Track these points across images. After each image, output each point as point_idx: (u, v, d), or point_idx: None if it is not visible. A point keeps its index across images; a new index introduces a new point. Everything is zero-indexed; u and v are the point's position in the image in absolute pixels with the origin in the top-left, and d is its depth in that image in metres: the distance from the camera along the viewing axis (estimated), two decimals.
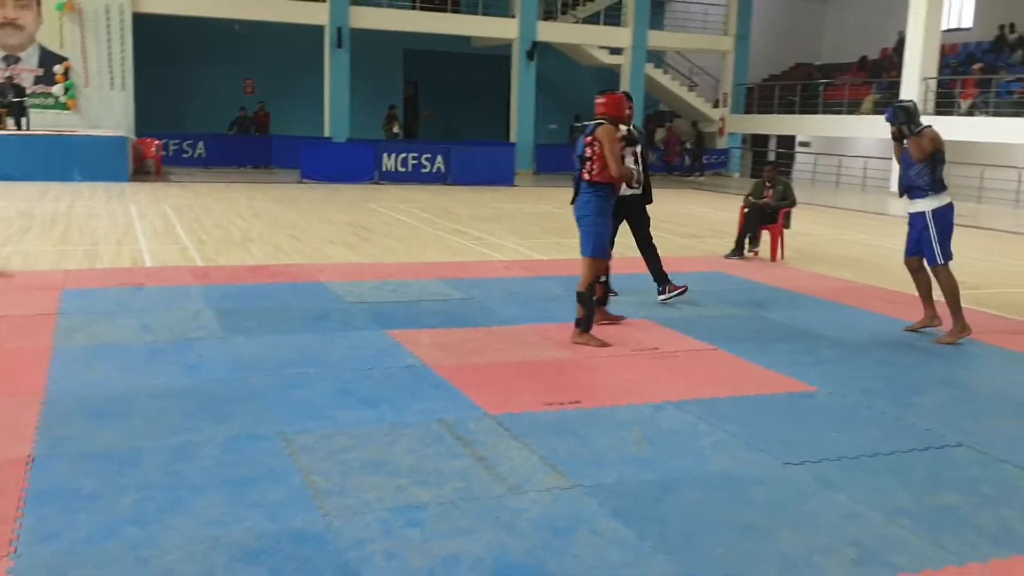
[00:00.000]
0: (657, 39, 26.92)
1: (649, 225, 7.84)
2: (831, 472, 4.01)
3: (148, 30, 22.45)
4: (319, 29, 23.15)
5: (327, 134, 23.23)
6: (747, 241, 10.73)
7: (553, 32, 25.82)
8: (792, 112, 26.25)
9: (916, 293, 7.09)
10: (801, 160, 27.97)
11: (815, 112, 25.38)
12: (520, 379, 5.32)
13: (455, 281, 8.39)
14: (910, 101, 6.87)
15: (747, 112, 27.78)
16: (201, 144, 22.57)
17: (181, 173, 20.20)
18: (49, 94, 21.23)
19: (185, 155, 22.36)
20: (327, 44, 23.11)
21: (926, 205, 6.68)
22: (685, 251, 11.22)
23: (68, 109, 21.37)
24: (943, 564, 3.18)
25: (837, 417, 4.83)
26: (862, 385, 5.43)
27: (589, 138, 6.13)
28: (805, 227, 13.68)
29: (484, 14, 25.28)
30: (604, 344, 6.15)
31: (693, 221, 14.95)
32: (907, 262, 6.97)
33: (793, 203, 10.85)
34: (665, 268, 7.89)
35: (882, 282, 9.22)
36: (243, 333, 6.02)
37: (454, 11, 25.57)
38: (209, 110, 24.93)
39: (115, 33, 21.53)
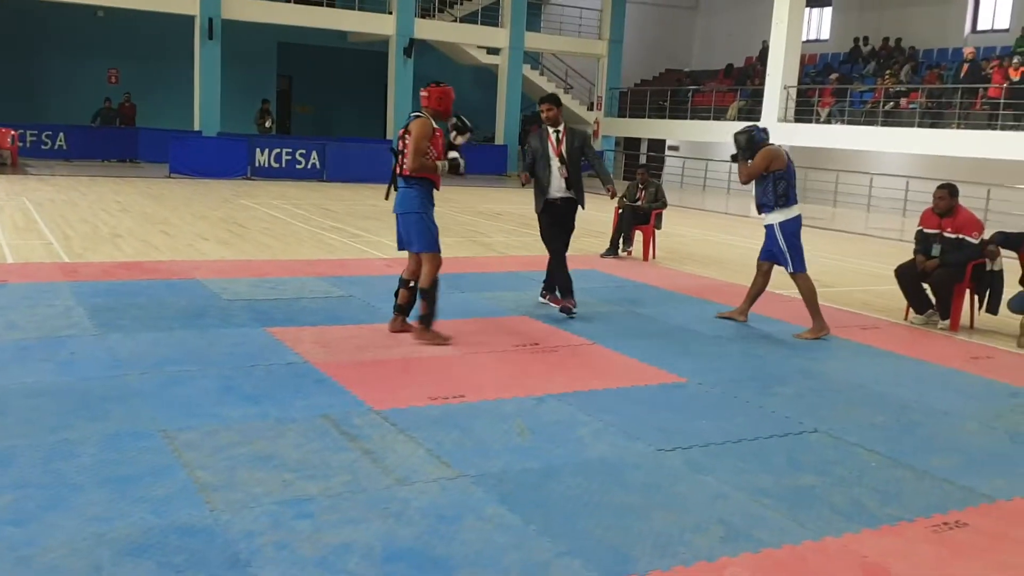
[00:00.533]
0: (534, 41, 27.35)
1: (571, 234, 7.68)
2: (700, 457, 4.27)
3: (6, 15, 21.25)
4: (189, 19, 22.44)
5: (197, 128, 22.54)
6: (621, 241, 11.11)
7: (430, 30, 25.86)
8: (663, 117, 27.15)
9: (775, 292, 7.56)
10: (671, 163, 28.94)
11: (684, 117, 26.33)
12: (403, 375, 5.40)
13: (335, 279, 8.37)
14: (748, 129, 7.33)
15: (620, 115, 28.54)
16: (62, 135, 21.52)
17: (40, 166, 19.23)
18: None
19: (44, 147, 21.26)
20: (197, 35, 22.40)
21: (773, 219, 7.17)
22: None
23: None
24: (802, 539, 3.46)
25: (706, 406, 5.12)
26: (728, 376, 5.77)
27: (402, 131, 6.09)
28: (675, 228, 14.23)
29: (361, 9, 25.08)
30: (446, 341, 6.11)
31: None
32: (758, 263, 7.49)
33: (664, 205, 11.30)
34: (542, 267, 8.08)
35: (746, 280, 9.64)
36: (118, 330, 5.86)
37: (330, 5, 25.26)
38: (71, 101, 23.81)
39: None
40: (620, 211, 11.17)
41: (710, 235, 14.41)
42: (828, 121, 21.93)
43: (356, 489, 3.65)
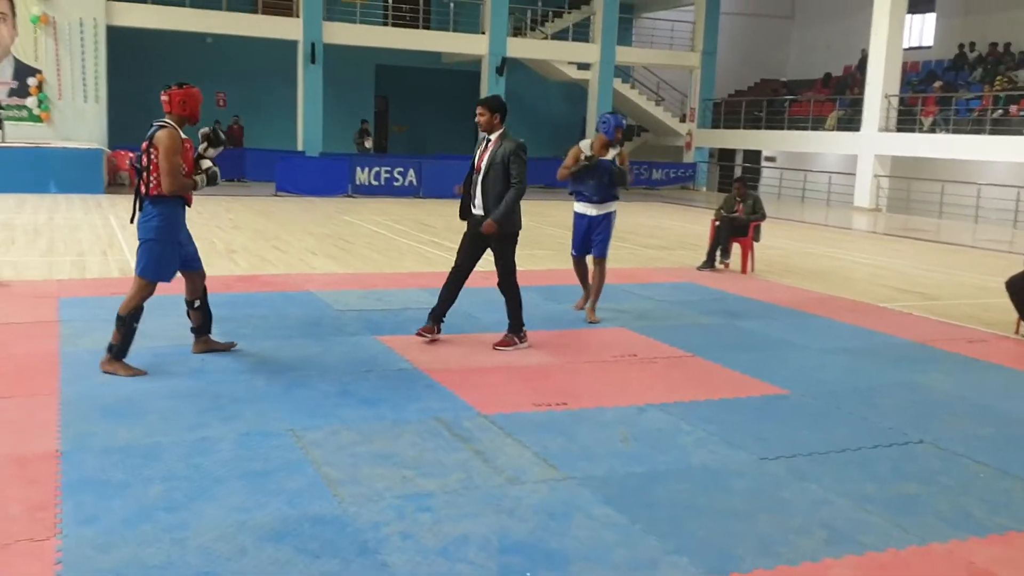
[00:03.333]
0: (625, 55, 27.45)
1: (497, 261, 6.60)
2: (804, 465, 4.34)
3: (122, 43, 22.51)
4: (292, 44, 23.36)
5: (300, 148, 23.40)
6: (718, 253, 11.12)
7: (522, 48, 26.24)
8: (758, 127, 26.88)
9: (879, 304, 7.49)
10: (767, 175, 28.60)
11: (780, 127, 26.01)
12: (507, 382, 5.61)
13: (436, 291, 8.62)
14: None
15: (714, 127, 28.37)
16: None
17: None
18: (23, 106, 21.22)
19: None
20: (301, 59, 23.31)
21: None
22: (656, 262, 11.60)
23: (42, 121, 21.36)
24: (906, 544, 3.52)
25: (808, 417, 5.17)
26: (830, 388, 5.79)
27: (146, 144, 5.37)
28: (774, 240, 14.13)
29: (455, 31, 25.64)
30: (138, 372, 5.35)
31: (662, 233, 15.35)
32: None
33: (763, 217, 11.25)
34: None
35: (848, 293, 9.63)
36: (242, 339, 6.25)
37: (425, 27, 25.91)
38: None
39: (89, 46, 21.58)
40: (717, 223, 11.18)
41: (810, 247, 14.25)
42: (932, 130, 21.38)
43: (470, 486, 3.87)
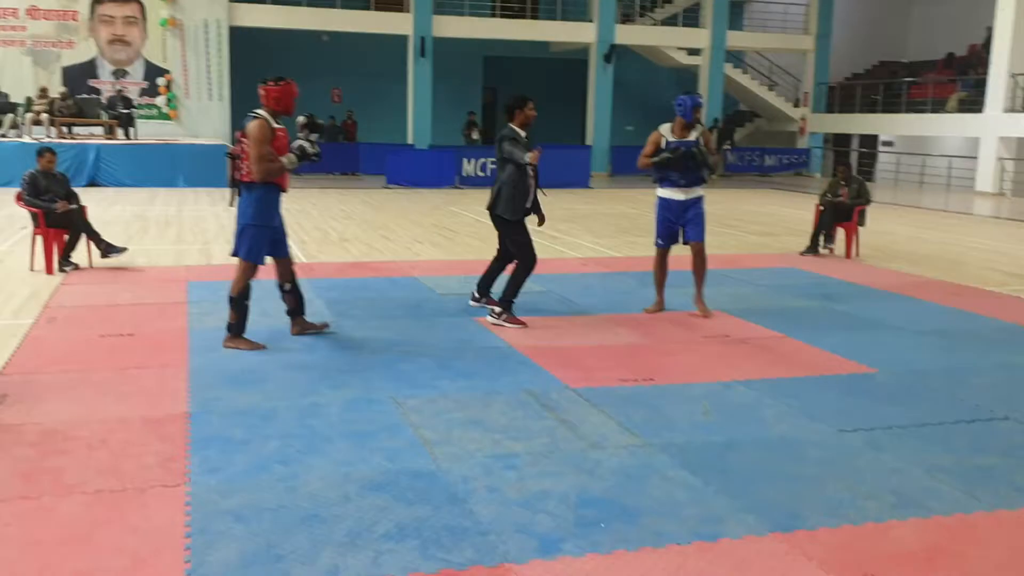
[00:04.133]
0: (736, 39, 27.08)
1: (512, 249, 7.06)
2: (881, 438, 4.45)
3: (244, 43, 23.65)
4: (403, 39, 24.04)
5: (410, 141, 24.09)
6: (822, 238, 11.03)
7: (631, 35, 26.21)
8: (874, 111, 26.10)
9: (987, 288, 7.31)
10: (884, 159, 27.75)
11: (898, 111, 25.21)
12: (597, 359, 5.86)
13: (534, 276, 8.90)
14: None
15: (828, 111, 27.69)
16: None
17: None
18: (153, 105, 22.62)
19: None
20: (411, 53, 23.98)
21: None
22: (759, 248, 11.58)
23: (170, 119, 22.74)
24: (974, 510, 3.62)
25: (893, 394, 5.23)
26: (921, 368, 5.82)
27: (240, 133, 5.70)
28: (884, 226, 13.86)
29: (563, 19, 25.84)
30: (257, 346, 5.82)
31: (768, 219, 15.23)
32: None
33: (868, 201, 11.09)
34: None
35: (954, 278, 9.45)
36: (351, 318, 6.72)
37: (533, 17, 26.20)
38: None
39: (213, 46, 22.82)
40: (821, 208, 11.09)
41: (923, 233, 13.90)
42: None
43: (554, 450, 4.16)
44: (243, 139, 5.66)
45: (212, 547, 3.18)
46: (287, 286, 6.15)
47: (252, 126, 5.61)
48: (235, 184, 5.84)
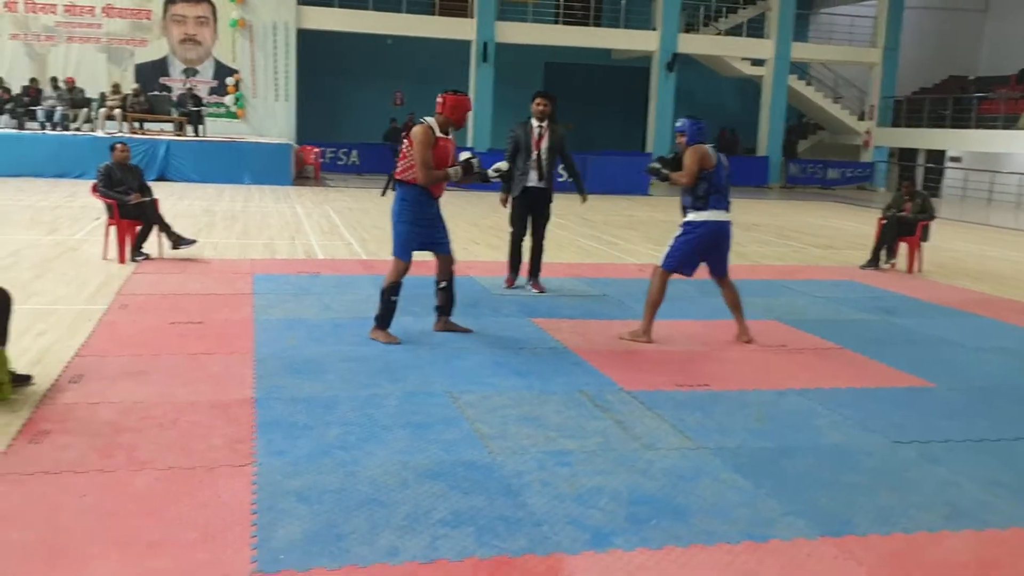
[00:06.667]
0: (801, 51, 26.81)
1: (547, 222, 8.18)
2: (937, 451, 4.43)
3: (310, 45, 24.12)
4: (466, 44, 24.29)
5: (470, 144, 24.29)
6: (883, 252, 10.90)
7: (694, 44, 26.11)
8: (942, 126, 25.61)
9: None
10: (951, 176, 27.21)
11: (968, 126, 24.70)
12: (653, 364, 5.91)
13: (591, 280, 9.04)
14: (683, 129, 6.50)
15: (895, 125, 27.24)
16: (355, 152, 24.04)
17: (337, 179, 21.65)
18: (221, 104, 23.20)
19: (340, 162, 23.86)
20: (473, 58, 24.21)
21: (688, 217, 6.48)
22: (820, 260, 11.49)
23: (237, 118, 23.29)
24: None
25: (951, 409, 5.19)
26: (980, 384, 5.75)
27: (405, 133, 6.07)
28: (949, 243, 13.64)
29: (625, 27, 25.85)
30: (393, 340, 6.00)
31: (830, 232, 15.07)
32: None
33: (932, 216, 10.94)
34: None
35: (1020, 296, 9.28)
36: (409, 315, 6.83)
37: (596, 25, 26.25)
38: (362, 120, 26.46)
39: (280, 48, 23.32)
40: (884, 222, 10.96)
41: (989, 250, 13.64)
42: None
43: (607, 448, 4.23)
44: (408, 140, 5.92)
45: (277, 524, 3.32)
46: (443, 283, 6.32)
47: (417, 129, 5.87)
48: (391, 179, 6.13)
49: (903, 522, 3.56)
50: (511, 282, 8.30)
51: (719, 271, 6.62)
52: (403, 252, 6.08)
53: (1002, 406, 5.28)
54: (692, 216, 6.40)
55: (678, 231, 6.51)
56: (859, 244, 13.19)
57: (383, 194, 6.32)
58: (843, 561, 3.24)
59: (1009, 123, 23.60)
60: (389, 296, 6.08)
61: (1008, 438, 4.68)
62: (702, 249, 6.47)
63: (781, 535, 3.41)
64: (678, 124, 6.60)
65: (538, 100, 8.02)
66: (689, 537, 3.36)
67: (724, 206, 6.39)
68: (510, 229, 8.30)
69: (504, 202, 8.15)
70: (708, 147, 6.41)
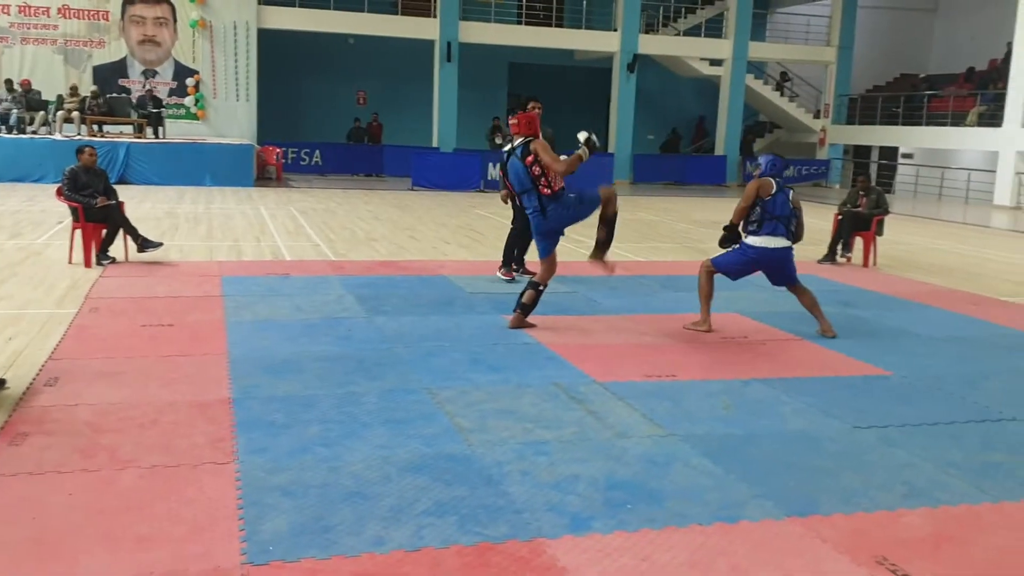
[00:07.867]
0: (758, 50, 27.23)
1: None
2: (895, 435, 4.64)
3: (271, 45, 24.00)
4: (429, 44, 24.33)
5: (435, 144, 24.37)
6: (840, 247, 11.20)
7: (654, 45, 26.40)
8: (895, 123, 26.18)
9: (1003, 299, 7.32)
10: (903, 172, 27.80)
11: (919, 123, 25.28)
12: (622, 356, 6.07)
13: (561, 278, 9.12)
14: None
15: (849, 123, 27.78)
16: (317, 152, 23.95)
17: (299, 179, 21.59)
18: (181, 105, 23.01)
19: (302, 163, 23.76)
20: (437, 58, 24.26)
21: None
22: None
23: (198, 119, 23.12)
24: (980, 501, 3.81)
25: (906, 396, 5.42)
26: (935, 372, 5.99)
27: (530, 158, 6.49)
28: (902, 236, 14.00)
29: (587, 28, 26.08)
30: (529, 326, 6.71)
31: None
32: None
33: (886, 211, 11.25)
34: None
35: (971, 288, 9.60)
36: (382, 314, 6.96)
37: (558, 26, 26.45)
38: (324, 120, 26.39)
39: (241, 48, 23.18)
40: (840, 217, 11.25)
41: (940, 244, 14.03)
42: None
43: (583, 438, 4.38)
44: (529, 159, 6.50)
45: (264, 518, 3.41)
46: (541, 287, 6.80)
47: (535, 144, 6.52)
48: (539, 201, 6.62)
49: (864, 502, 3.75)
50: (510, 275, 8.76)
51: (787, 283, 7.09)
52: (543, 251, 6.85)
53: (955, 391, 5.51)
54: (749, 239, 6.82)
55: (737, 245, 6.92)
56: (816, 239, 13.45)
57: (540, 213, 6.68)
58: (809, 539, 3.41)
59: (957, 120, 24.20)
60: (541, 291, 6.77)
61: (959, 421, 4.90)
62: (752, 268, 6.95)
63: (750, 516, 3.57)
64: (759, 159, 6.99)
65: (531, 104, 8.49)
66: (663, 520, 3.51)
67: (781, 232, 6.76)
68: (511, 225, 8.86)
69: (504, 199, 8.36)
70: (774, 180, 6.80)
